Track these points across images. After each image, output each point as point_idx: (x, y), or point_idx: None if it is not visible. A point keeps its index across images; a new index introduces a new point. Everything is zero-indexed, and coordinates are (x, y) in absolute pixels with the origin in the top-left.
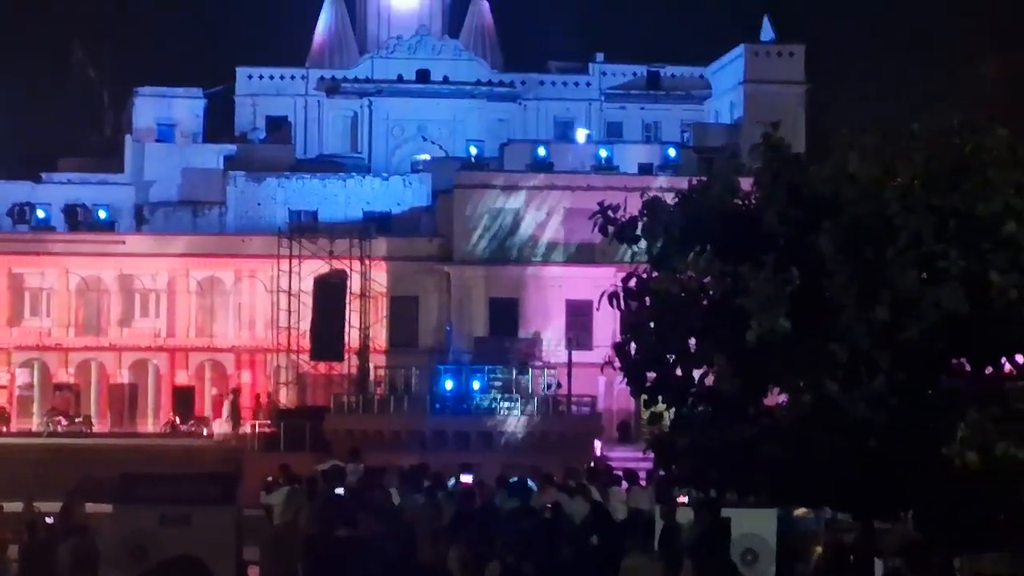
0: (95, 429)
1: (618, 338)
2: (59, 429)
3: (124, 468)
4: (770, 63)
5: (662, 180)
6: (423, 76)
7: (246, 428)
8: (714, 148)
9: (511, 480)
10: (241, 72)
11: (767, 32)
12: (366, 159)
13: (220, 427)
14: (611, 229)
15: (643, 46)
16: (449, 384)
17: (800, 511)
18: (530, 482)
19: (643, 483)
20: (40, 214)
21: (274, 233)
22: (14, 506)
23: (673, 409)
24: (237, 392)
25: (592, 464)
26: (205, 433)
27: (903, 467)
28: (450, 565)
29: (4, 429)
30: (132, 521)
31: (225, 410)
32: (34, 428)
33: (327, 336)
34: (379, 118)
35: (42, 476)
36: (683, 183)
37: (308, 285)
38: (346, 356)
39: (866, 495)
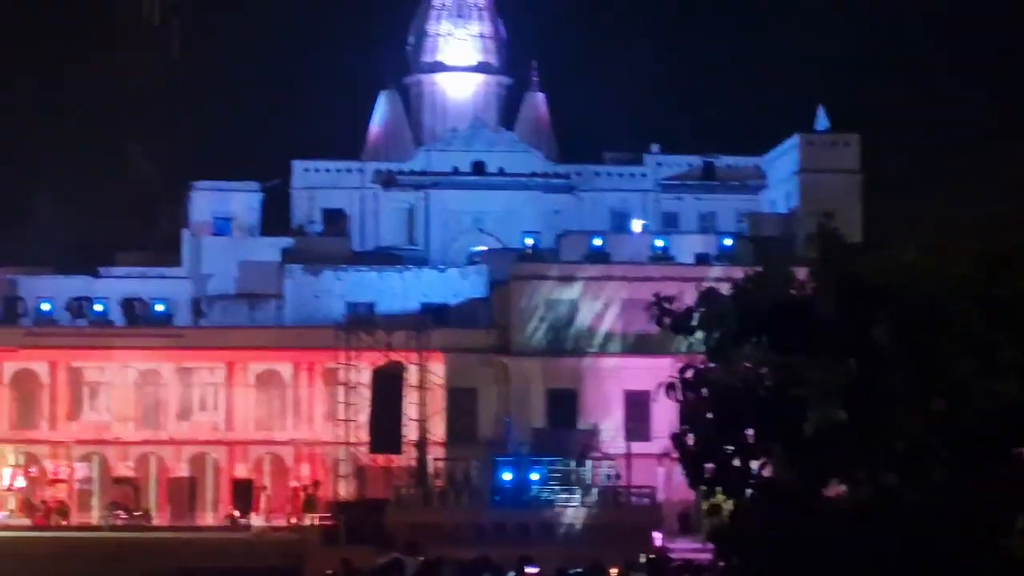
0: (155, 522)
1: (677, 428)
2: (119, 523)
3: (185, 562)
4: (825, 152)
5: (718, 270)
6: (479, 168)
7: (306, 521)
8: (770, 237)
9: (571, 572)
10: (297, 165)
11: (822, 122)
12: (423, 251)
13: (256, 521)
14: (667, 320)
15: (698, 136)
16: (508, 476)
17: None
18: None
19: None
20: (98, 308)
21: (332, 326)
22: None
23: (732, 500)
24: (310, 487)
25: (652, 556)
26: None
27: (962, 558)
28: None
29: (64, 523)
30: None
31: (263, 503)
32: (94, 522)
33: (385, 429)
34: (435, 210)
35: (102, 571)
36: (739, 273)
37: (366, 377)
38: (404, 448)
39: None
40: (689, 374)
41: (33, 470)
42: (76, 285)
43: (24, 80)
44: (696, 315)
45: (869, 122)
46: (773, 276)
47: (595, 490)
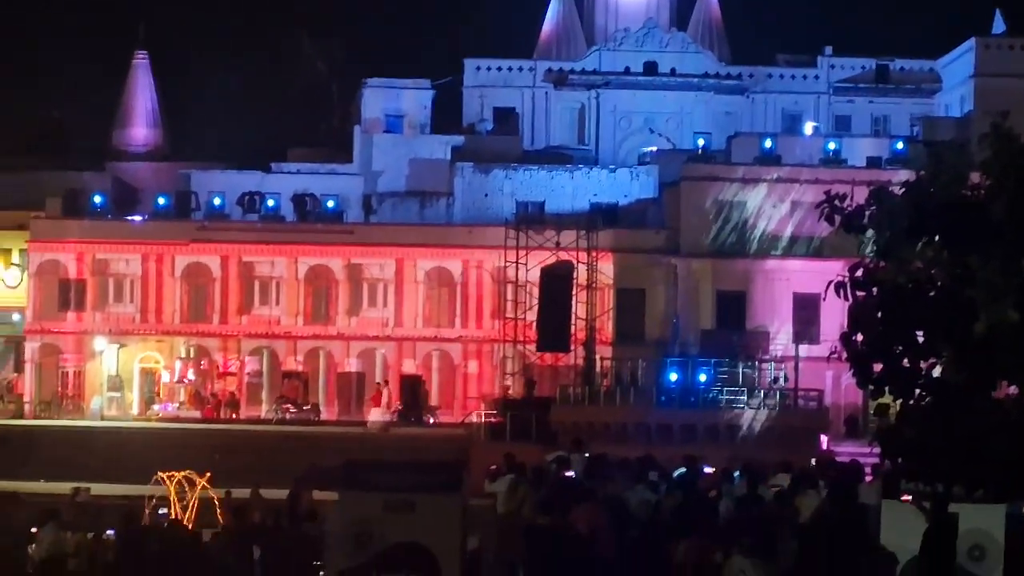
0: (323, 417)
1: (845, 330)
2: (287, 417)
3: (350, 456)
4: (1001, 56)
5: (891, 173)
6: (650, 69)
7: (472, 417)
8: (944, 142)
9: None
10: (469, 64)
11: (999, 25)
12: (593, 151)
13: (376, 416)
14: (837, 219)
15: (872, 39)
16: (675, 376)
17: None
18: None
19: (868, 478)
20: (270, 203)
21: (501, 224)
22: (242, 492)
23: (900, 401)
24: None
25: (815, 459)
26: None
27: None
28: (680, 559)
29: (234, 416)
30: (356, 508)
31: (384, 398)
32: (263, 415)
33: (553, 327)
34: (606, 110)
35: (270, 463)
36: (912, 176)
37: (535, 276)
38: (572, 347)
39: None
40: (859, 273)
41: (203, 363)
42: (248, 180)
43: None
44: (867, 213)
45: None
46: (946, 175)
47: (762, 392)
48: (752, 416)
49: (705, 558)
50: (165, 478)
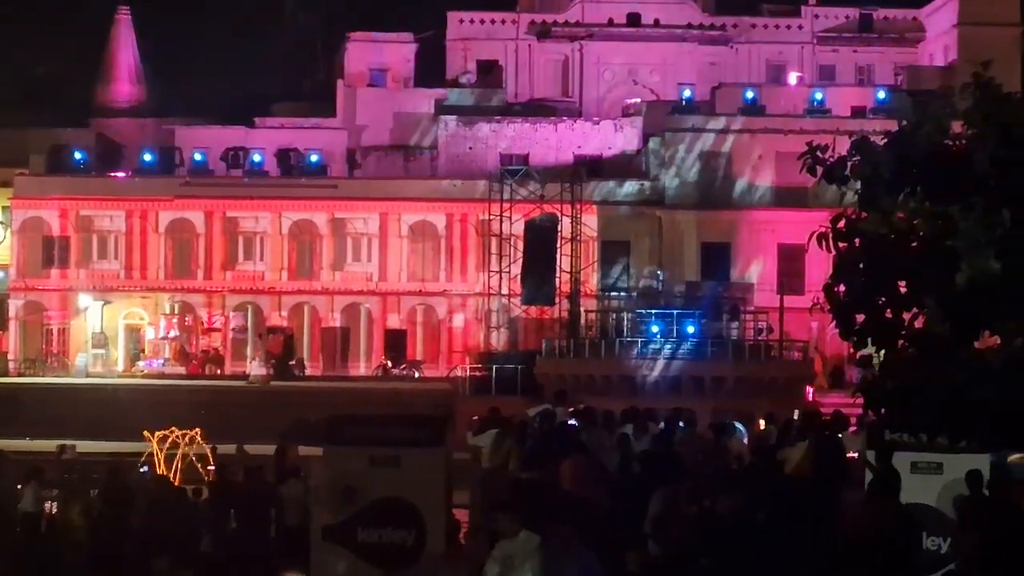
0: (307, 372)
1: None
2: (295, 373)
3: (335, 411)
4: (985, 5)
5: (875, 123)
6: (634, 19)
7: (456, 372)
8: (928, 91)
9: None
10: (452, 16)
11: None
12: (577, 103)
13: (255, 369)
14: (819, 170)
15: None
16: (658, 329)
17: (1015, 457)
18: (738, 425)
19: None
20: (254, 159)
21: (485, 177)
22: (227, 448)
23: (883, 352)
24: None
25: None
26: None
27: None
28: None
29: (218, 372)
30: (341, 463)
31: (258, 350)
32: (247, 371)
33: (538, 280)
34: (590, 62)
35: (255, 419)
36: (896, 126)
37: (519, 229)
38: (557, 300)
39: None
40: (841, 224)
41: (188, 319)
42: (232, 136)
43: None
44: (849, 164)
45: None
46: (928, 126)
47: (747, 344)
48: (737, 368)
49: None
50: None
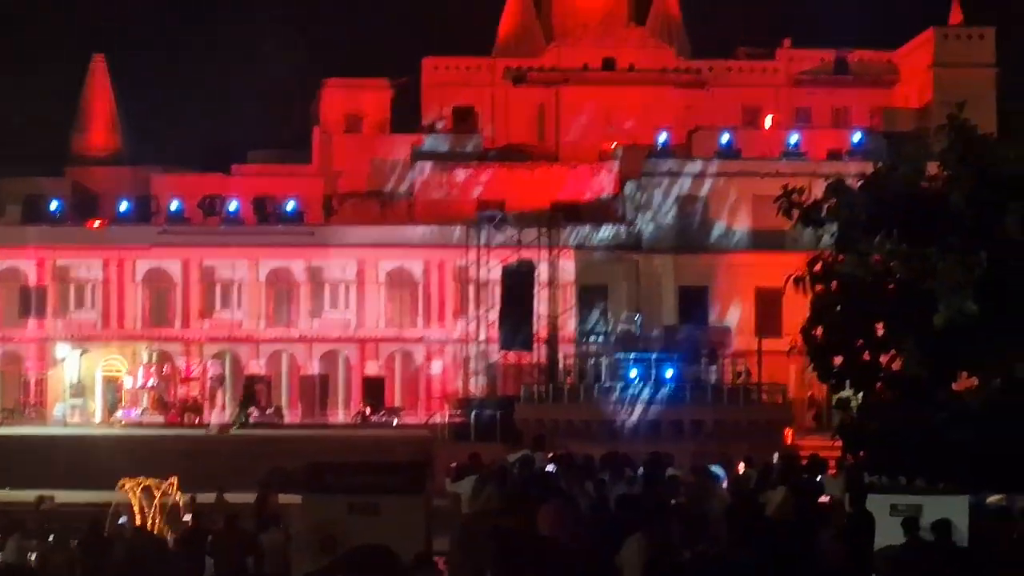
0: (286, 420)
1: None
2: (250, 420)
3: (315, 459)
4: (960, 46)
5: (851, 165)
6: (609, 64)
7: (435, 418)
8: (904, 133)
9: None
10: (427, 63)
11: (957, 15)
12: (553, 147)
13: (216, 417)
14: (795, 212)
15: (831, 31)
16: (637, 373)
17: (994, 498)
18: (718, 469)
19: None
20: (231, 206)
21: (462, 223)
22: (207, 497)
23: (861, 394)
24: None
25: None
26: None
27: None
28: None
29: (196, 420)
30: (320, 511)
31: (219, 399)
32: (226, 419)
33: (516, 325)
34: (566, 106)
35: (234, 467)
36: (872, 168)
37: (496, 274)
38: (535, 346)
39: None
40: (817, 267)
41: (166, 368)
42: (208, 183)
43: None
44: (825, 207)
45: (1004, 14)
46: (904, 167)
47: (726, 387)
48: (716, 411)
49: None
50: (130, 485)
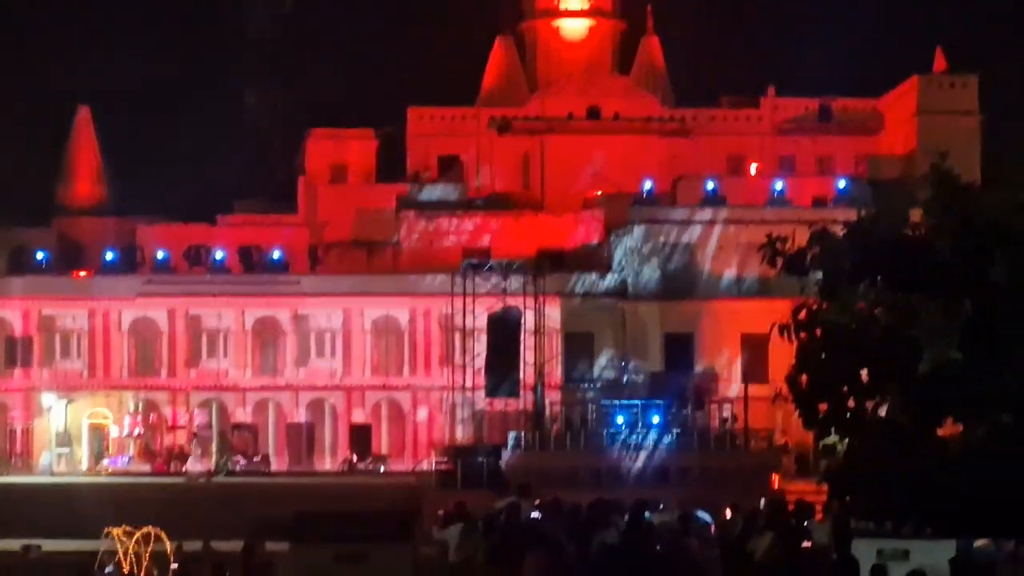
0: (273, 468)
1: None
2: (237, 469)
3: (302, 507)
4: (943, 94)
5: (836, 213)
6: (594, 113)
7: (422, 465)
8: (889, 180)
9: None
10: (413, 113)
11: (940, 63)
12: (538, 196)
13: (191, 465)
14: (779, 261)
15: (815, 79)
16: (623, 420)
17: (980, 542)
18: (704, 515)
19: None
20: (216, 256)
21: (448, 271)
22: (193, 545)
23: (847, 440)
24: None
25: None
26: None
27: None
28: None
29: (184, 469)
30: (307, 559)
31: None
32: (213, 468)
33: (502, 373)
34: (551, 155)
35: (221, 516)
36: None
37: (482, 322)
38: (521, 393)
39: None
40: (802, 314)
41: (152, 417)
42: (193, 233)
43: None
44: (809, 255)
45: (988, 62)
46: (888, 216)
47: (712, 433)
48: (703, 458)
49: None
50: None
